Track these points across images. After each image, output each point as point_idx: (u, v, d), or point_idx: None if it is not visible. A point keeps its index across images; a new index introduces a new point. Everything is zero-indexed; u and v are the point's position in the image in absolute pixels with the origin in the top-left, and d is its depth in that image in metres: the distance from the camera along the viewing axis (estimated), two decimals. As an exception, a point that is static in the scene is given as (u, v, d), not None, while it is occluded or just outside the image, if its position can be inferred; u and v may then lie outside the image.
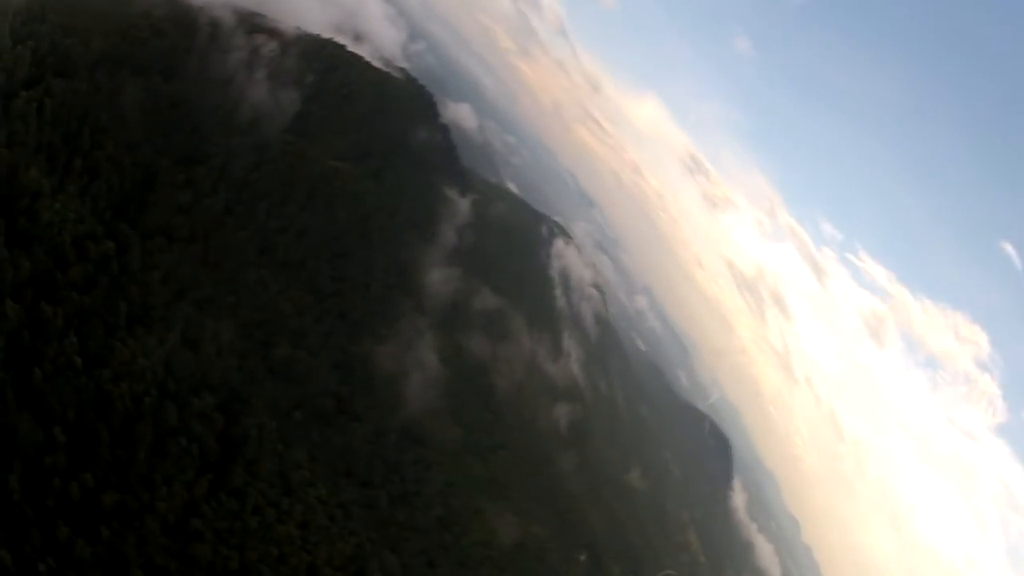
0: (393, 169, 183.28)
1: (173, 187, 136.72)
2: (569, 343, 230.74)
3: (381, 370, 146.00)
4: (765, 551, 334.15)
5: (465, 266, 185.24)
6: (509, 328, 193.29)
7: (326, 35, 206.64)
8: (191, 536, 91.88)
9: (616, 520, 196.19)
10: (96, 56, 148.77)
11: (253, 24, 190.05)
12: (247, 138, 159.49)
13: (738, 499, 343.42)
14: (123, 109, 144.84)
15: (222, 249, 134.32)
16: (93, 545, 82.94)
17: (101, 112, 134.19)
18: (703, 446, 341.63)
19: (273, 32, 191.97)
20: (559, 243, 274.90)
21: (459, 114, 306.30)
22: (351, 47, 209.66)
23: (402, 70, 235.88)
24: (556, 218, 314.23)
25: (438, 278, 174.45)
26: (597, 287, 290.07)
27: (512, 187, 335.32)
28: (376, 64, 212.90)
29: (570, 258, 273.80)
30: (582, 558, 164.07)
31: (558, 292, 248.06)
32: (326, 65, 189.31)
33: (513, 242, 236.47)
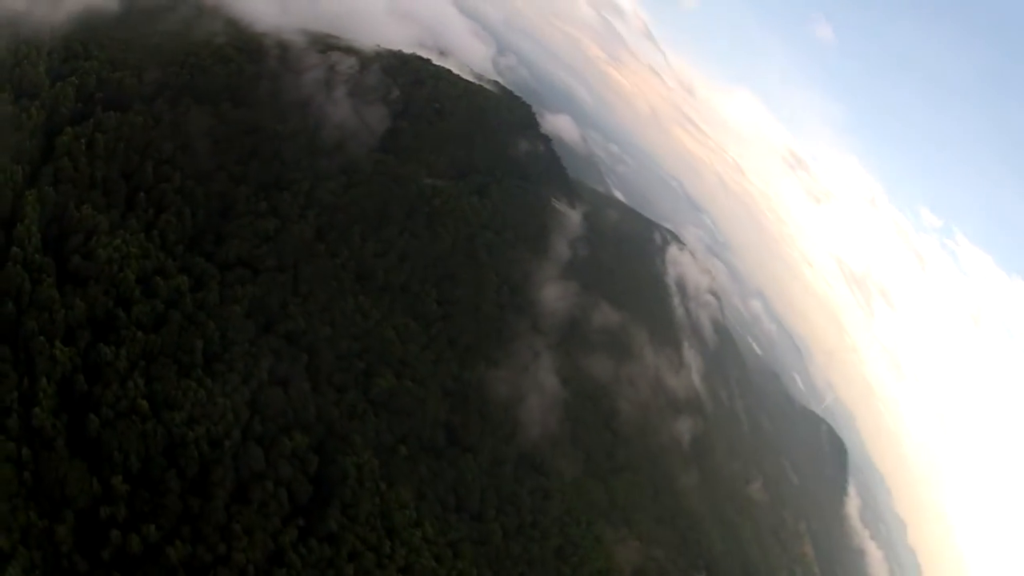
0: (498, 184, 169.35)
1: (255, 215, 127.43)
2: (689, 354, 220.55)
3: (496, 396, 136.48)
4: (875, 558, 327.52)
5: (581, 280, 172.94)
6: (630, 343, 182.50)
7: (407, 52, 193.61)
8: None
9: (736, 537, 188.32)
10: (153, 88, 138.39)
11: (326, 43, 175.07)
12: (334, 160, 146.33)
13: (852, 505, 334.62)
14: (190, 139, 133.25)
15: (314, 278, 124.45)
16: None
17: (164, 143, 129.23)
18: (820, 452, 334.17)
19: (349, 50, 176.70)
20: (673, 250, 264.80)
21: (559, 125, 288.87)
22: (437, 62, 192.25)
23: (495, 83, 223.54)
24: (667, 225, 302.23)
25: (553, 294, 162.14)
26: (713, 293, 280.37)
27: (619, 196, 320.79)
28: (467, 78, 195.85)
29: (685, 265, 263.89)
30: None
31: (676, 301, 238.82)
32: (412, 80, 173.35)
33: (628, 252, 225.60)
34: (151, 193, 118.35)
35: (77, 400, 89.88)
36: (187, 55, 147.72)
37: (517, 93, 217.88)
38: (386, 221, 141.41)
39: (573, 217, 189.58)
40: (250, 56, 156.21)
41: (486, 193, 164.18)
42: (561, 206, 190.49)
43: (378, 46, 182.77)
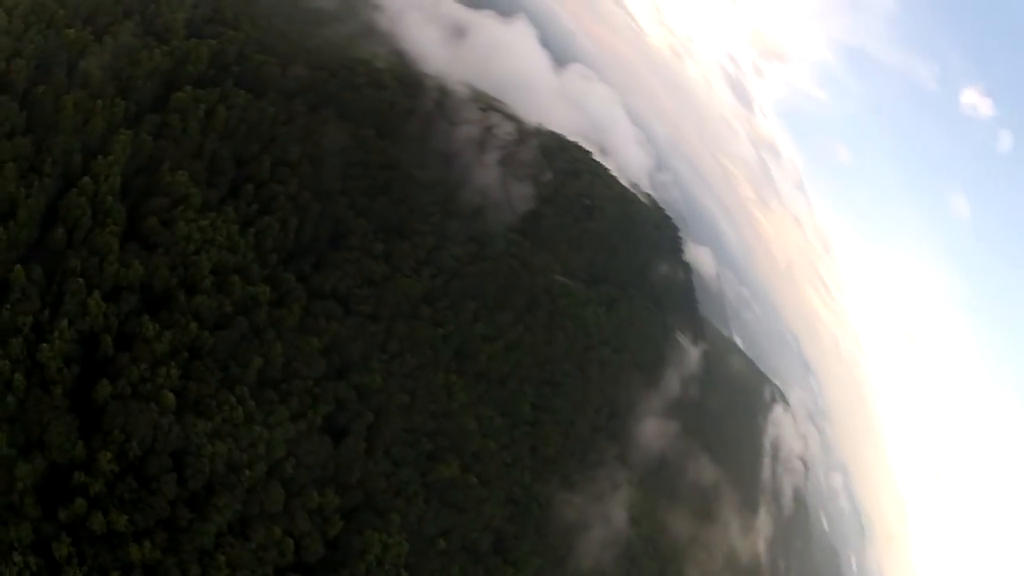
0: (628, 301, 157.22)
1: (365, 254, 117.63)
2: (764, 519, 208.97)
3: (560, 517, 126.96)
4: None
5: (684, 422, 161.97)
6: (711, 499, 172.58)
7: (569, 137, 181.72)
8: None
9: None
10: (294, 85, 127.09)
11: (488, 103, 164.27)
12: (467, 225, 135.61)
13: None
14: (320, 151, 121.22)
15: (409, 339, 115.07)
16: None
17: (291, 145, 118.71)
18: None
19: (510, 117, 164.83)
20: (777, 410, 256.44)
21: (699, 256, 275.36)
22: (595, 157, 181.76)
23: (648, 196, 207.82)
24: (777, 381, 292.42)
25: (652, 429, 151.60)
26: (802, 460, 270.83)
27: (739, 341, 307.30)
28: (622, 182, 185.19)
29: (785, 427, 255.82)
30: None
31: (766, 462, 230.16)
32: (568, 168, 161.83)
33: (736, 404, 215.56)
34: (261, 190, 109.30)
35: (97, 362, 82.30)
36: (341, 66, 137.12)
37: (668, 213, 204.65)
38: (504, 306, 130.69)
39: (692, 354, 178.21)
40: (407, 90, 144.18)
41: (615, 307, 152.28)
42: (684, 340, 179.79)
43: (539, 123, 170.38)
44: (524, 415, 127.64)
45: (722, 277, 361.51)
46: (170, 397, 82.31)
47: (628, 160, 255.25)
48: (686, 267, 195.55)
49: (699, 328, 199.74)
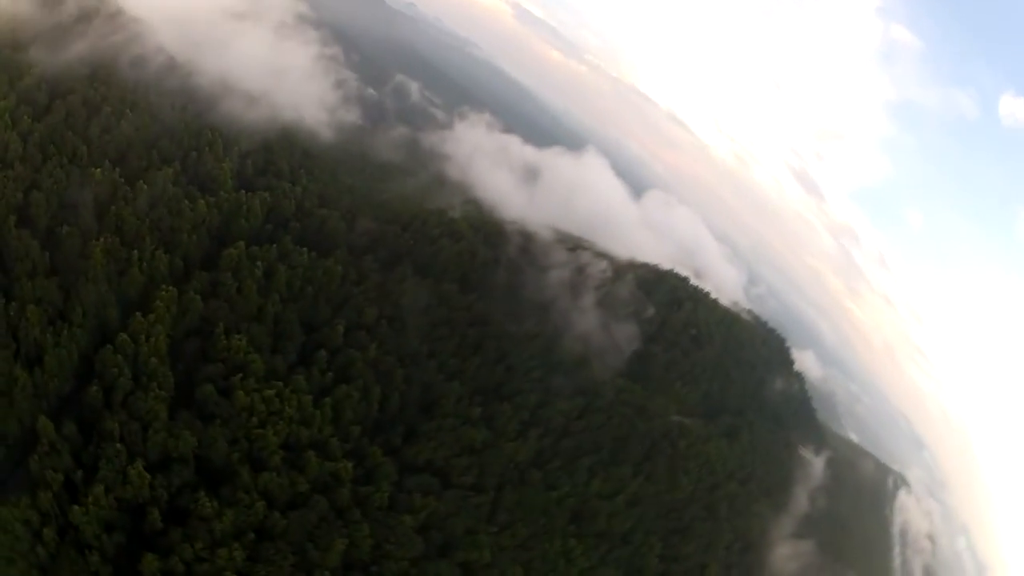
0: (749, 427, 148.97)
1: (463, 421, 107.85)
2: None
3: None
4: None
5: (816, 537, 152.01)
6: None
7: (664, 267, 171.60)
8: None
9: None
10: (365, 241, 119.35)
11: (575, 243, 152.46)
12: (571, 378, 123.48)
13: None
14: (400, 311, 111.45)
15: (519, 508, 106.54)
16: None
17: (366, 306, 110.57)
18: None
19: (601, 254, 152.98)
20: (901, 496, 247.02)
21: (805, 362, 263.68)
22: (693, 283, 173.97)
23: (749, 312, 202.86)
24: (895, 466, 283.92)
25: (786, 553, 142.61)
26: (929, 537, 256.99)
27: (854, 437, 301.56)
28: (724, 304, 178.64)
29: (910, 511, 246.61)
30: None
31: (896, 551, 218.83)
32: (669, 299, 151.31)
33: (863, 504, 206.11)
34: (336, 356, 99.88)
35: (144, 534, 73.68)
36: (413, 218, 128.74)
37: (771, 325, 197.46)
38: (621, 458, 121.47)
39: (817, 465, 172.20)
40: (487, 238, 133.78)
41: (736, 436, 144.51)
42: (807, 453, 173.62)
43: (631, 257, 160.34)
44: (652, 569, 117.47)
45: (829, 378, 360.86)
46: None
47: (722, 279, 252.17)
48: (799, 378, 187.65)
49: (819, 437, 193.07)
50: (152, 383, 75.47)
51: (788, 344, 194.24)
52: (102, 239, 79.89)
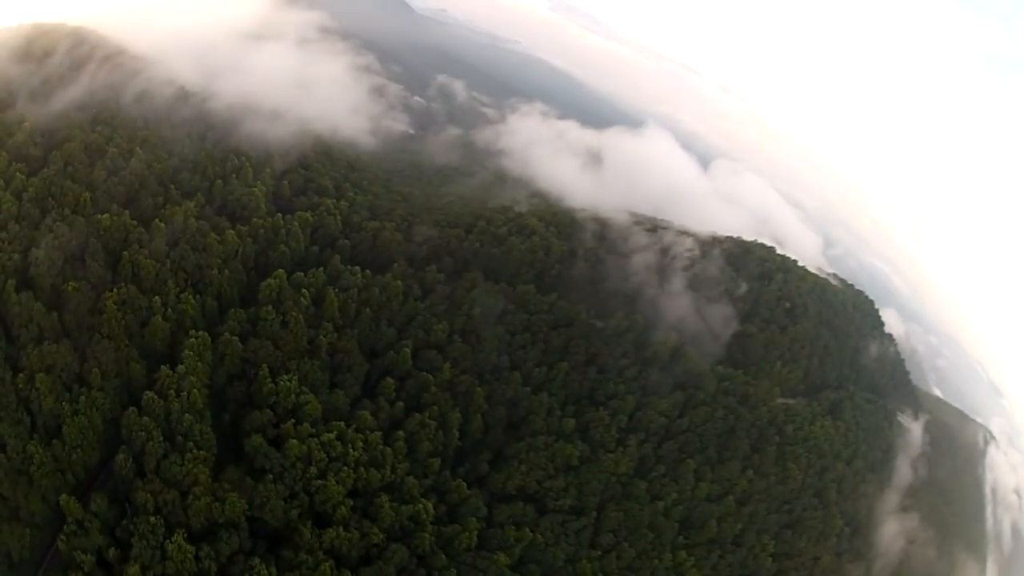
0: (850, 400, 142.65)
1: (555, 437, 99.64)
2: (992, 569, 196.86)
3: None
4: None
5: (920, 510, 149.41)
6: None
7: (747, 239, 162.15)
8: None
9: None
10: (425, 251, 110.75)
11: (653, 223, 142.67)
12: (668, 372, 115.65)
13: None
14: (473, 323, 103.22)
15: (625, 526, 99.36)
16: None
17: (434, 323, 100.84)
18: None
19: (683, 232, 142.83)
20: (991, 451, 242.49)
21: (888, 321, 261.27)
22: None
23: (835, 277, 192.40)
24: (979, 419, 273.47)
25: (891, 531, 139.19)
26: (1016, 492, 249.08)
27: (938, 392, 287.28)
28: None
29: (999, 468, 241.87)
30: None
31: (989, 510, 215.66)
32: (758, 272, 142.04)
33: (959, 465, 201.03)
34: (406, 383, 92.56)
35: None
36: (477, 219, 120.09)
37: (858, 288, 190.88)
38: (729, 455, 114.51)
39: (915, 431, 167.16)
40: (560, 231, 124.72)
41: (839, 413, 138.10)
42: (905, 420, 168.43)
43: (714, 232, 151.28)
44: (765, 570, 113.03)
45: (911, 334, 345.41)
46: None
47: (801, 245, 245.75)
48: (891, 340, 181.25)
49: (914, 400, 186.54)
50: (188, 443, 68.04)
51: (877, 306, 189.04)
52: (115, 290, 72.20)
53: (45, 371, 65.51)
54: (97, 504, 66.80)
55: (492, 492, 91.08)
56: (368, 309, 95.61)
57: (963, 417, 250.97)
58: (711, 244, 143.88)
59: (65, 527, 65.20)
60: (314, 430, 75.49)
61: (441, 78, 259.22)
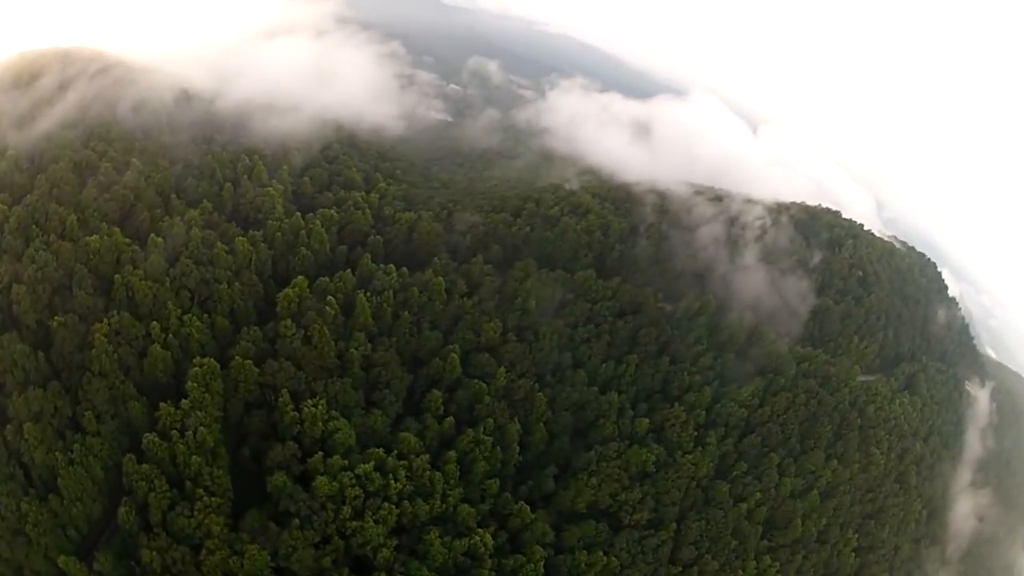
0: (924, 373, 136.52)
1: (627, 441, 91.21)
2: None
3: None
4: None
5: (990, 485, 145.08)
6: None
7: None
8: None
9: None
10: (469, 240, 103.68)
11: (715, 192, 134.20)
12: (747, 357, 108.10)
13: None
14: (528, 318, 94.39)
15: (707, 535, 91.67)
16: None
17: (483, 321, 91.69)
18: None
19: (749, 200, 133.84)
20: None
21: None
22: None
23: (898, 239, 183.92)
24: None
25: (964, 511, 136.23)
26: None
27: (992, 353, 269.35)
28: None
29: None
30: None
31: None
32: (828, 240, 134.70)
33: (1022, 431, 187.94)
34: (455, 394, 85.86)
35: None
36: (525, 201, 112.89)
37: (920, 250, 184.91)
38: (811, 443, 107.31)
39: (982, 400, 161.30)
40: (617, 207, 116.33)
41: (915, 387, 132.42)
42: (973, 388, 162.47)
43: (777, 198, 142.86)
44: (847, 567, 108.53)
45: (965, 295, 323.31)
46: None
47: (860, 208, 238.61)
48: (955, 305, 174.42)
49: (980, 367, 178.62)
50: (198, 490, 60.08)
51: (940, 270, 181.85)
52: (105, 320, 64.61)
53: (33, 420, 58.56)
54: (101, 563, 60.12)
55: (560, 512, 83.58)
56: (407, 312, 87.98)
57: (1019, 379, 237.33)
58: (778, 211, 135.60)
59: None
60: (346, 462, 67.25)
61: (473, 62, 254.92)
